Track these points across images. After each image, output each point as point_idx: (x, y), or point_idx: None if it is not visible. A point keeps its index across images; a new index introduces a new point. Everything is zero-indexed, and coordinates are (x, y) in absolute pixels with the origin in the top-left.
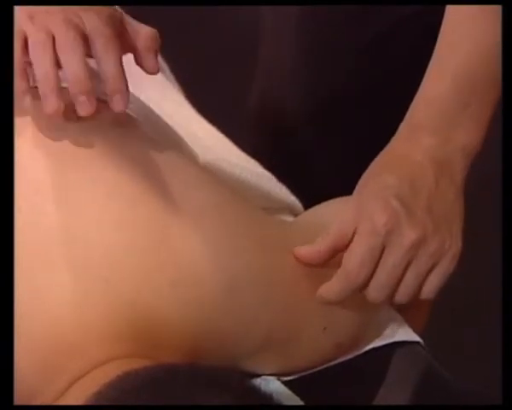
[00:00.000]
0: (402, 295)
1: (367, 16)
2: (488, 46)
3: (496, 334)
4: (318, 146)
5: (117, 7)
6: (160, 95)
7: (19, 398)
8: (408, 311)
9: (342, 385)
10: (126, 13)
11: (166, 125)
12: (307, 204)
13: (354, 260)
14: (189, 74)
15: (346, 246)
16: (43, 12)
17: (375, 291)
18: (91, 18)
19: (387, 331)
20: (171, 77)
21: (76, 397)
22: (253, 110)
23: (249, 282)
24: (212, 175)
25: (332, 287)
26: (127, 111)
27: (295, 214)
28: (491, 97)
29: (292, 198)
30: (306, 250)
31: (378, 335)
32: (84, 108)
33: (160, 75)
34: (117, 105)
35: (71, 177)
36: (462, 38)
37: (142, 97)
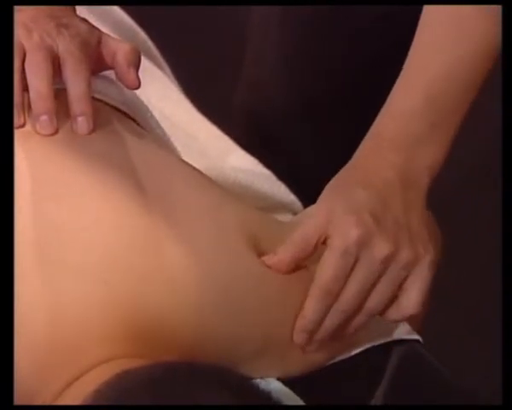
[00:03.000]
0: (374, 303)
1: (347, 14)
2: (460, 65)
3: (496, 334)
4: (314, 144)
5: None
6: (160, 94)
7: (17, 398)
8: None
9: (341, 384)
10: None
11: (166, 126)
12: (307, 202)
13: (326, 275)
14: (184, 73)
15: (310, 253)
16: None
17: (345, 303)
18: (65, 40)
19: (386, 330)
20: (171, 75)
21: (74, 396)
22: (241, 109)
23: (247, 285)
24: (209, 177)
25: (308, 307)
26: (127, 112)
27: (294, 213)
28: (458, 117)
29: (291, 197)
30: (271, 260)
31: (377, 333)
32: (45, 126)
33: (160, 73)
34: (80, 127)
35: (69, 177)
36: (436, 53)
37: (142, 98)
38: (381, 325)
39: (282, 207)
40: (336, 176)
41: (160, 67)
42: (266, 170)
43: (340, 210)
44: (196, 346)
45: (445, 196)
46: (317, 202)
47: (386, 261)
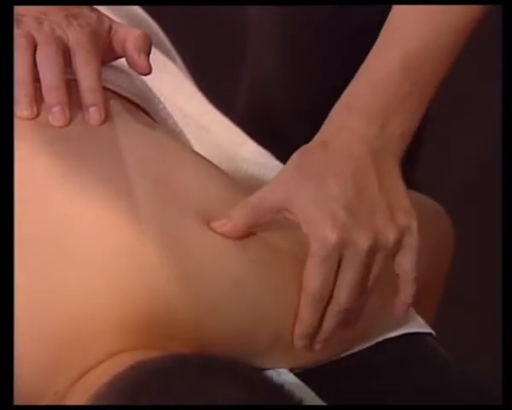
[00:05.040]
0: (373, 284)
1: (347, 13)
2: (437, 37)
3: (496, 333)
4: None
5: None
6: (172, 87)
7: (29, 391)
8: (419, 303)
9: (354, 376)
10: None
11: (178, 118)
12: None
13: (313, 283)
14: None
15: (265, 222)
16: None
17: (341, 304)
18: (75, 31)
19: (399, 323)
20: (183, 67)
21: (87, 388)
22: (244, 106)
23: (258, 279)
24: (221, 170)
25: (302, 314)
26: (138, 103)
27: None
28: (432, 87)
29: None
30: (225, 227)
31: (389, 326)
32: (58, 117)
33: (172, 66)
34: (93, 117)
35: (78, 169)
36: (414, 25)
37: (154, 90)
38: (394, 319)
39: None
40: (305, 151)
41: (172, 59)
42: (277, 162)
43: (312, 207)
44: (206, 339)
45: (453, 197)
46: (282, 173)
47: (371, 251)
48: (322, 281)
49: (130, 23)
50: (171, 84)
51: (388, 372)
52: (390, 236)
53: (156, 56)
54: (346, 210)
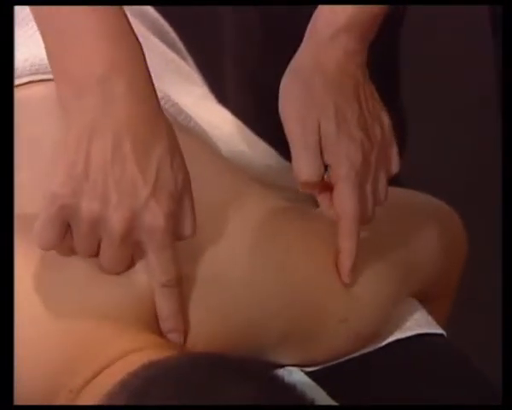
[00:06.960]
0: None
1: None
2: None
3: (496, 334)
4: None
5: None
6: (181, 88)
7: (43, 390)
8: (432, 303)
9: (365, 376)
10: None
11: (189, 117)
12: None
13: (351, 204)
14: None
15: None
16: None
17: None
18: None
19: (411, 323)
20: (194, 67)
21: (100, 387)
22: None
23: (269, 274)
24: (233, 167)
25: (351, 246)
26: None
27: (318, 205)
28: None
29: None
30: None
31: (401, 327)
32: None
33: (186, 67)
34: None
35: None
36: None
37: (165, 89)
38: (406, 319)
39: (306, 199)
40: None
41: (184, 59)
42: (286, 162)
43: (335, 132)
44: (220, 334)
45: (453, 197)
46: (287, 118)
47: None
48: (357, 201)
49: (144, 23)
50: (179, 86)
51: (399, 373)
52: (377, 133)
53: (170, 56)
54: (361, 129)
